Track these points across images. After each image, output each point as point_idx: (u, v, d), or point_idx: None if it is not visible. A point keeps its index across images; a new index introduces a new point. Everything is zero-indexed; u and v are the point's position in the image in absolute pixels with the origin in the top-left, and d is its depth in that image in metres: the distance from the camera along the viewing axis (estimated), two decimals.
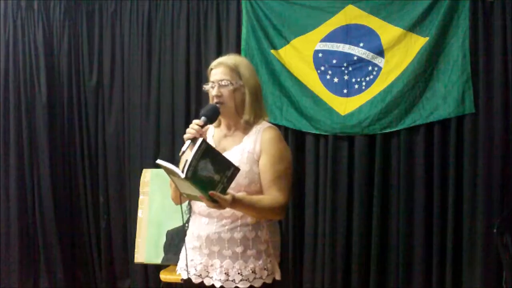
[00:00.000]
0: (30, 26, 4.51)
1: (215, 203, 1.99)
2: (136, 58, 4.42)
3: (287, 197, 2.23)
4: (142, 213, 3.97)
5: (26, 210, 4.51)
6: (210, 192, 1.96)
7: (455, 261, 3.66)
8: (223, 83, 2.25)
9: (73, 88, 4.56)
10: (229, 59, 2.31)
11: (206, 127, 2.18)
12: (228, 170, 2.00)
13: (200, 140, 1.98)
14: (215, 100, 2.25)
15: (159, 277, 3.81)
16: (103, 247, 4.55)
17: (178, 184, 2.05)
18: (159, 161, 2.04)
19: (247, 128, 2.29)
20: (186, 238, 2.36)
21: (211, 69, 2.32)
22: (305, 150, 4.00)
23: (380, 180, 3.80)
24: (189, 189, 2.01)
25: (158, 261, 3.88)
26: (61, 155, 4.57)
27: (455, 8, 3.64)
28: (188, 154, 2.01)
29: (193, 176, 1.93)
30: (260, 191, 2.22)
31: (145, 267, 4.29)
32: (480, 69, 3.62)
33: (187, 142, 2.09)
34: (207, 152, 1.97)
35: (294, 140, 3.99)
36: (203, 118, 2.18)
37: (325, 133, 3.90)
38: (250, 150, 2.21)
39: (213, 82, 2.27)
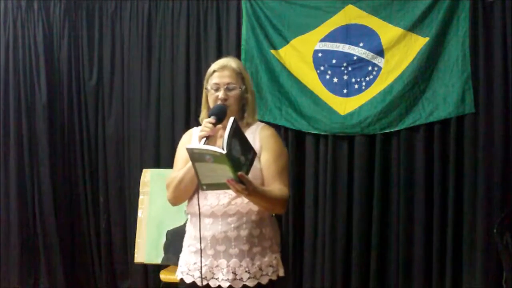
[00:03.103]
0: (30, 26, 4.51)
1: (243, 185, 1.98)
2: (136, 58, 4.42)
3: (289, 190, 2.29)
4: (142, 213, 3.96)
5: (26, 210, 4.51)
6: (239, 173, 1.95)
7: (455, 261, 3.66)
8: (230, 86, 2.29)
9: (73, 88, 4.56)
10: (232, 62, 2.34)
11: (218, 126, 2.20)
12: (249, 153, 2.03)
13: (232, 118, 2.01)
14: (219, 103, 2.27)
15: (159, 277, 3.81)
16: (103, 247, 4.54)
17: (201, 173, 2.00)
18: (190, 145, 2.04)
19: (245, 129, 2.31)
20: (185, 243, 2.36)
21: (214, 71, 2.33)
22: (305, 150, 4.00)
23: (380, 180, 3.81)
24: (215, 175, 1.98)
25: (158, 261, 3.88)
26: (61, 155, 4.57)
27: (455, 8, 3.65)
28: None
29: (230, 153, 1.93)
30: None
31: (145, 267, 4.29)
32: (480, 69, 3.63)
33: (203, 140, 2.11)
34: (237, 131, 2.00)
35: (294, 140, 3.99)
36: (213, 117, 2.20)
37: (325, 133, 3.90)
38: None
39: (218, 84, 2.29)
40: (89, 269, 4.59)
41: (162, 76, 4.35)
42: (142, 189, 3.99)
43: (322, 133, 3.91)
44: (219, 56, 4.16)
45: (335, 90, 3.90)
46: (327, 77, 3.91)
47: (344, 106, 3.87)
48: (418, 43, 3.71)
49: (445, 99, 3.67)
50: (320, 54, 3.92)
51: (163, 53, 4.34)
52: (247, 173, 2.01)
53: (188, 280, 2.29)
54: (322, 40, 3.91)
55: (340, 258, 3.88)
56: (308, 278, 3.97)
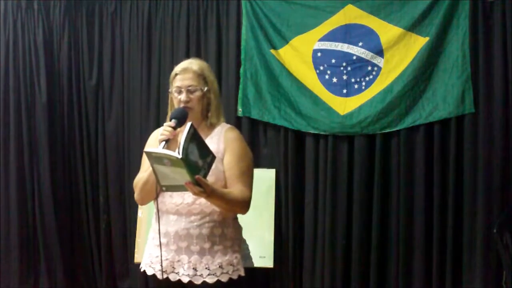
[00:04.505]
0: (30, 26, 4.51)
1: (200, 188, 2.05)
2: (136, 58, 4.42)
3: (251, 192, 2.35)
4: (142, 213, 3.97)
5: (26, 210, 4.51)
6: (197, 176, 2.03)
7: (455, 261, 3.66)
8: (191, 88, 2.36)
9: (73, 88, 4.56)
10: (194, 64, 2.41)
11: (178, 129, 2.26)
12: (208, 157, 2.10)
13: (189, 124, 2.07)
14: (182, 105, 2.35)
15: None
16: (103, 247, 4.54)
17: (160, 175, 2.08)
18: (148, 149, 2.13)
19: (210, 129, 2.40)
20: (150, 235, 2.43)
21: (176, 74, 2.41)
22: (304, 150, 4.00)
23: (380, 180, 3.81)
24: (174, 177, 2.05)
25: None
26: (61, 155, 4.57)
27: (455, 8, 3.65)
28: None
29: (186, 157, 1.99)
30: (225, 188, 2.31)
31: None
32: (480, 69, 3.63)
33: (162, 143, 2.18)
34: (194, 136, 2.06)
35: (293, 140, 3.99)
36: (173, 120, 2.28)
37: (325, 133, 3.90)
38: (215, 150, 2.27)
39: (180, 87, 2.37)
40: (89, 269, 4.59)
41: (162, 76, 4.34)
42: None
43: (322, 133, 3.91)
44: (219, 56, 4.21)
45: (335, 90, 3.90)
46: (327, 77, 3.91)
47: (344, 106, 3.87)
48: (418, 43, 3.71)
49: (445, 99, 3.67)
50: (319, 54, 3.92)
51: (163, 53, 4.34)
52: (205, 176, 2.07)
53: (149, 272, 2.38)
54: (321, 40, 3.91)
55: (340, 258, 3.88)
56: (308, 278, 3.97)
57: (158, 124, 4.34)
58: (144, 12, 4.37)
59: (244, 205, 2.32)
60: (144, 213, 3.94)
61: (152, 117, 4.36)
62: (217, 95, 2.45)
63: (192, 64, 2.41)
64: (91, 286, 4.59)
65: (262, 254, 3.81)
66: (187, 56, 4.24)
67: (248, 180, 2.34)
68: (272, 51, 4.01)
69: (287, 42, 3.98)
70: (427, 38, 3.69)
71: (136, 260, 3.94)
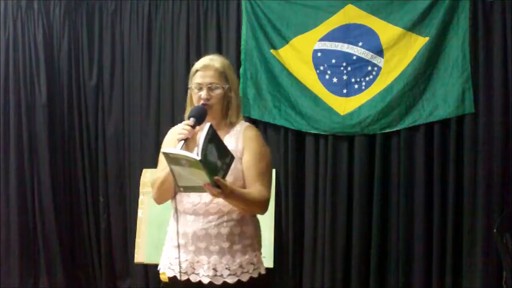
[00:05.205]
0: (30, 26, 4.51)
1: (219, 189, 2.01)
2: (136, 58, 4.42)
3: (270, 192, 2.31)
4: (142, 213, 3.97)
5: (26, 210, 4.51)
6: (215, 177, 1.98)
7: (455, 261, 3.66)
8: (212, 86, 2.29)
9: (73, 88, 4.56)
10: (215, 61, 2.34)
11: (197, 128, 2.20)
12: (227, 157, 2.05)
13: (208, 124, 2.02)
14: (201, 102, 2.28)
15: (159, 277, 3.80)
16: (103, 247, 4.54)
17: (178, 176, 2.04)
18: (166, 149, 2.05)
19: (229, 128, 2.34)
20: (168, 237, 2.40)
21: (197, 70, 2.34)
22: (305, 150, 4.00)
23: (380, 180, 3.81)
24: (192, 178, 2.01)
25: (158, 261, 3.87)
26: (61, 155, 4.57)
27: (455, 8, 3.65)
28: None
29: (205, 159, 1.95)
30: (244, 188, 2.27)
31: (145, 267, 4.29)
32: (480, 69, 3.63)
33: (180, 143, 2.12)
34: (213, 137, 2.01)
35: (293, 140, 3.99)
36: (192, 119, 2.21)
37: (325, 133, 3.90)
38: (233, 149, 2.24)
39: (200, 84, 2.30)
40: (89, 269, 4.59)
41: (162, 76, 4.35)
42: (142, 189, 4.00)
43: (322, 133, 3.91)
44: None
45: (335, 90, 3.90)
46: (327, 77, 3.91)
47: (344, 106, 3.87)
48: (418, 43, 3.71)
49: (445, 99, 3.67)
50: (319, 54, 3.92)
51: (163, 53, 4.34)
52: (224, 177, 2.03)
53: (169, 274, 2.35)
54: (321, 40, 3.91)
55: (340, 258, 3.88)
56: (308, 278, 3.97)
57: (158, 124, 4.35)
58: (144, 12, 4.38)
59: (262, 205, 2.28)
60: (144, 213, 3.94)
61: (152, 117, 4.36)
62: (238, 94, 2.39)
63: (213, 61, 2.34)
64: (91, 286, 4.59)
65: (262, 254, 3.80)
66: (187, 56, 4.27)
67: (266, 180, 2.30)
68: (272, 51, 4.01)
69: (287, 42, 3.98)
70: (427, 38, 3.69)
71: (136, 260, 3.94)
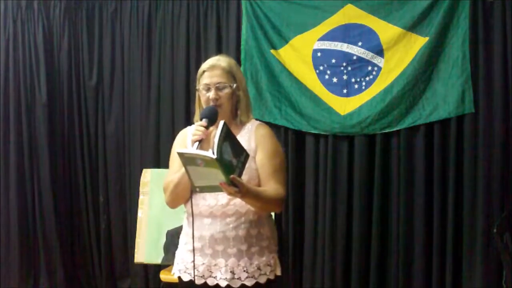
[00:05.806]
0: (30, 26, 4.51)
1: (235, 188, 1.99)
2: (136, 58, 4.42)
3: (285, 189, 2.30)
4: (142, 213, 3.96)
5: (26, 210, 4.52)
6: (232, 176, 1.96)
7: (455, 261, 3.66)
8: (220, 86, 2.28)
9: (73, 88, 4.56)
10: (222, 61, 2.32)
11: (210, 128, 2.19)
12: (242, 155, 2.03)
13: (222, 122, 2.00)
14: (211, 103, 2.27)
15: (159, 277, 3.81)
16: (103, 247, 4.55)
17: (193, 176, 2.02)
18: (180, 150, 2.04)
19: (240, 127, 2.32)
20: (182, 240, 2.36)
21: (204, 71, 2.32)
22: (305, 150, 4.00)
23: (380, 180, 3.80)
24: (208, 178, 1.99)
25: (158, 261, 3.88)
26: (61, 155, 4.57)
27: (455, 8, 3.64)
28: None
29: (221, 157, 1.93)
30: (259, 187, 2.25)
31: (145, 267, 4.29)
32: (480, 69, 3.62)
33: (195, 144, 2.10)
34: (228, 135, 2.00)
35: (294, 140, 3.99)
36: (205, 120, 2.19)
37: (325, 133, 3.90)
38: (246, 148, 2.20)
39: (208, 84, 2.28)
40: (89, 269, 4.60)
41: (162, 76, 4.35)
42: (142, 189, 3.99)
43: (322, 133, 3.91)
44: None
45: (335, 90, 3.89)
46: (327, 77, 3.91)
47: (344, 106, 3.87)
48: (418, 43, 3.71)
49: (445, 99, 3.67)
50: (319, 54, 3.92)
51: (163, 53, 4.34)
52: (239, 175, 2.01)
53: (185, 278, 2.30)
54: (320, 39, 3.91)
55: (340, 258, 3.88)
56: (308, 278, 3.97)
57: (158, 124, 4.35)
58: (144, 12, 4.38)
59: (279, 203, 2.26)
60: (144, 213, 3.94)
61: (152, 117, 4.36)
62: (246, 92, 2.37)
63: (220, 61, 2.32)
64: (91, 286, 4.59)
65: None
66: (187, 56, 4.27)
67: (281, 177, 2.28)
68: (272, 51, 4.01)
69: (287, 42, 3.98)
70: (427, 38, 3.69)
71: (136, 260, 3.93)
